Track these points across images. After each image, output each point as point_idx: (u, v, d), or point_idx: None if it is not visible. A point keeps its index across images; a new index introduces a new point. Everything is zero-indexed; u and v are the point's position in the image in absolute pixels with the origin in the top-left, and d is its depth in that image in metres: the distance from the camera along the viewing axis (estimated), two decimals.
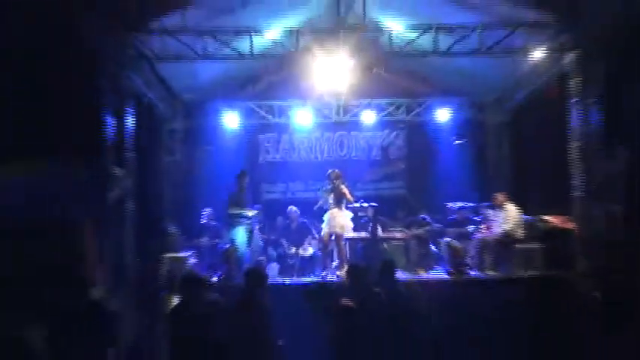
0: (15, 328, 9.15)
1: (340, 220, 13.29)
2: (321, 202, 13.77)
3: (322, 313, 7.48)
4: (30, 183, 11.41)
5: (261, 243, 13.98)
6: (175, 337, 7.92)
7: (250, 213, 13.57)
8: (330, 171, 13.84)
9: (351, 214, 13.69)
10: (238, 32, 12.77)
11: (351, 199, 13.47)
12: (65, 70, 11.92)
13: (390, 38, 13.06)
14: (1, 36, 11.53)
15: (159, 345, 9.35)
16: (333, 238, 13.40)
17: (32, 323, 8.52)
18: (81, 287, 7.63)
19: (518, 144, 17.62)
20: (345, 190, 13.39)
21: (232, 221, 13.44)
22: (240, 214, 13.38)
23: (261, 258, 13.81)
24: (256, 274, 8.51)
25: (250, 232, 13.47)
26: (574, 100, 12.98)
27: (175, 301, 9.09)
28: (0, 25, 11.53)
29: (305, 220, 14.88)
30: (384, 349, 7.28)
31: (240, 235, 13.32)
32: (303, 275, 13.59)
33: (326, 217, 13.48)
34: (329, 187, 13.47)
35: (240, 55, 13.06)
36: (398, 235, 14.32)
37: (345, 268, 10.78)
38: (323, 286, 8.66)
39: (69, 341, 7.23)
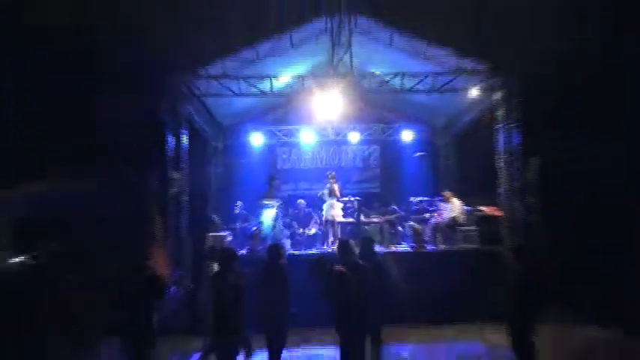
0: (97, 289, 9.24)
1: (333, 210, 13.33)
2: (320, 194, 13.80)
3: (322, 276, 7.43)
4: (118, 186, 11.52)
5: (282, 227, 13.90)
6: (216, 295, 7.86)
7: (276, 204, 13.52)
8: (328, 172, 13.92)
9: (341, 205, 13.73)
10: (262, 77, 12.81)
11: (339, 195, 13.48)
12: (143, 104, 12.02)
13: (370, 81, 13.12)
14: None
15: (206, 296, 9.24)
16: (329, 222, 13.44)
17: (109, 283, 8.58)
18: (144, 259, 7.61)
19: (460, 156, 17.66)
20: (336, 188, 13.43)
21: (264, 210, 13.37)
22: (270, 204, 13.32)
23: (281, 236, 13.76)
24: (277, 249, 8.35)
25: (276, 218, 13.41)
26: (500, 126, 13.05)
27: (215, 267, 9.09)
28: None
29: (310, 210, 14.80)
30: (366, 302, 7.27)
31: (269, 219, 13.28)
32: (308, 248, 13.58)
33: (324, 207, 13.51)
34: (327, 185, 13.50)
35: (263, 93, 13.10)
36: (375, 220, 14.26)
37: (337, 243, 10.78)
38: (323, 256, 8.62)
39: (131, 294, 7.26)
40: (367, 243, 9.18)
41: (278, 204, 13.53)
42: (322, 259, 7.86)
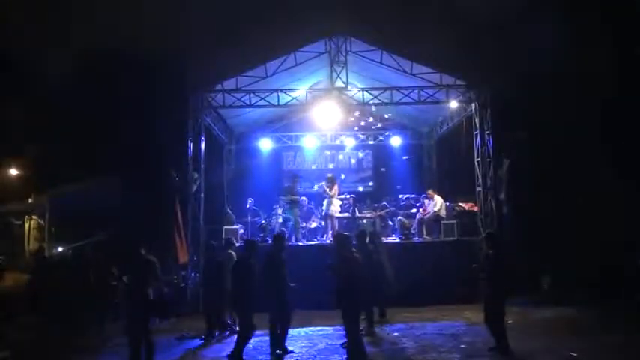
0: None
1: (332, 207, 13.30)
2: (320, 185, 13.76)
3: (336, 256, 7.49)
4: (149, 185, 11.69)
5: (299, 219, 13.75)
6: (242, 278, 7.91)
7: (298, 200, 13.44)
8: (328, 175, 13.92)
9: (339, 202, 13.73)
10: (270, 91, 12.98)
11: (336, 194, 13.46)
12: (169, 114, 12.20)
13: (363, 94, 13.24)
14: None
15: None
16: (328, 217, 13.44)
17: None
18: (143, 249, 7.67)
19: (442, 159, 17.78)
20: (335, 188, 13.43)
21: (289, 204, 13.23)
22: (294, 199, 13.20)
23: (283, 228, 13.75)
24: (280, 238, 8.45)
25: (298, 210, 13.36)
26: (476, 132, 13.25)
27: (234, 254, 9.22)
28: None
29: (311, 206, 14.82)
30: (359, 283, 7.34)
31: (293, 212, 13.21)
32: (310, 240, 13.64)
33: (324, 203, 13.49)
34: (327, 184, 13.45)
35: (271, 105, 13.27)
36: (368, 215, 14.32)
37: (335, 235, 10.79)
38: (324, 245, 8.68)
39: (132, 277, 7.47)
40: (362, 234, 9.37)
41: (299, 200, 13.51)
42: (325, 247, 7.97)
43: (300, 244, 12.98)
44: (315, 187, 13.75)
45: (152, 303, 7.36)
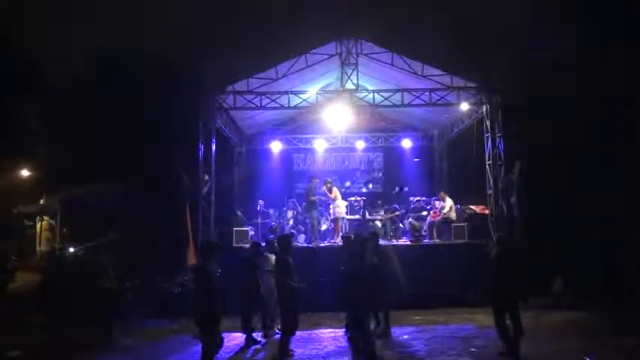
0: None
1: (339, 209, 13.32)
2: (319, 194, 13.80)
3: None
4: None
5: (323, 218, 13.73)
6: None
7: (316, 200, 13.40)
8: (327, 179, 13.91)
9: (346, 203, 13.76)
10: (281, 93, 13.08)
11: (337, 196, 13.43)
12: (180, 116, 12.27)
13: (373, 96, 13.25)
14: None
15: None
16: (337, 219, 13.45)
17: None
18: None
19: (453, 161, 17.71)
20: (334, 190, 13.45)
21: (308, 205, 13.27)
22: (313, 199, 13.16)
23: (293, 230, 13.80)
24: (285, 239, 8.20)
25: (316, 212, 13.34)
26: (487, 135, 13.24)
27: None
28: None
29: (321, 208, 14.67)
30: (370, 284, 7.36)
31: (312, 213, 13.18)
32: (321, 242, 13.58)
33: (331, 207, 13.52)
34: (324, 188, 13.46)
35: (282, 107, 13.34)
36: (379, 217, 14.37)
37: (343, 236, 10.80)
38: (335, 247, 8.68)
39: None
40: (373, 236, 9.37)
41: (317, 201, 13.52)
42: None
43: (314, 245, 12.78)
44: (324, 188, 13.51)
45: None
